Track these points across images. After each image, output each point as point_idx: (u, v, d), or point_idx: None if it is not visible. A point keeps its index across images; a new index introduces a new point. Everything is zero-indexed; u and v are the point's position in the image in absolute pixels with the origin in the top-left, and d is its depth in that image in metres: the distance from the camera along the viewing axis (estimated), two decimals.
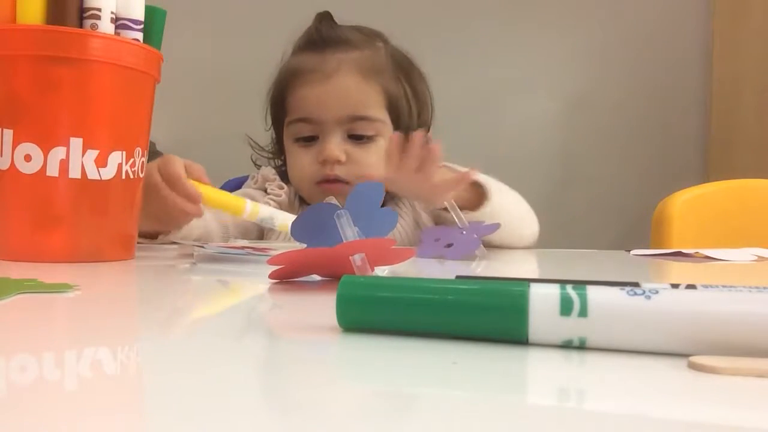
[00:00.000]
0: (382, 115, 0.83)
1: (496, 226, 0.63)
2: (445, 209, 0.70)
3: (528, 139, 2.08)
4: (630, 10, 2.06)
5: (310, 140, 0.81)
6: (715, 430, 0.17)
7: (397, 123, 0.85)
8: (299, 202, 0.85)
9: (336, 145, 0.80)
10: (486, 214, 0.73)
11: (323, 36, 0.85)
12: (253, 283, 0.43)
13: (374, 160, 0.80)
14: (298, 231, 0.40)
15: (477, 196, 0.75)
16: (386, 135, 0.83)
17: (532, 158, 2.08)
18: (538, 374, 0.22)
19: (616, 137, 2.08)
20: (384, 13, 1.76)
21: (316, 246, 0.37)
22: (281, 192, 0.82)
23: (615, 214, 1.88)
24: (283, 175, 0.88)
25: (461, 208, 0.69)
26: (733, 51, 1.94)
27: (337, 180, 0.79)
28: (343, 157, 0.79)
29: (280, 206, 0.81)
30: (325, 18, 0.87)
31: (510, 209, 0.76)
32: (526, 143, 2.07)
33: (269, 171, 0.89)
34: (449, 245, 0.59)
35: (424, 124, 0.90)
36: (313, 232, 0.39)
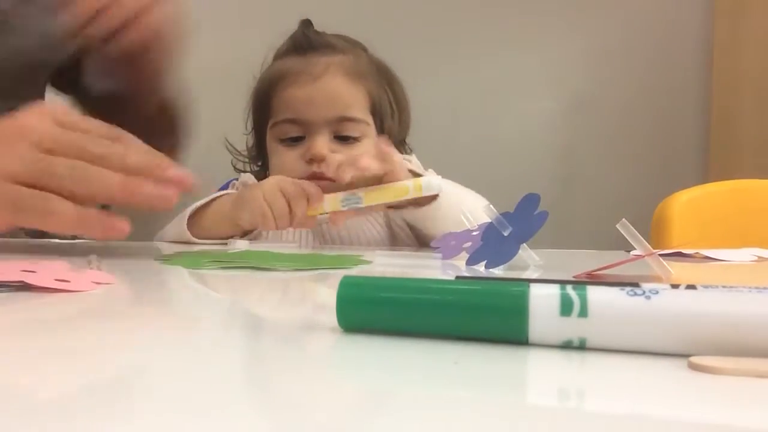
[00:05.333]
0: (367, 117, 0.84)
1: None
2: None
3: (528, 139, 2.08)
4: (630, 10, 2.06)
5: (296, 140, 0.82)
6: (715, 430, 0.17)
7: (381, 126, 0.86)
8: None
9: (323, 144, 0.80)
10: (436, 208, 0.72)
11: (310, 41, 0.86)
12: (253, 283, 0.43)
13: None
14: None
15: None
16: (371, 137, 0.83)
17: (532, 158, 2.08)
18: (538, 374, 0.22)
19: (617, 137, 2.08)
20: (385, 13, 1.76)
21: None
22: None
23: (615, 214, 1.88)
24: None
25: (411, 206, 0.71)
26: (733, 51, 1.94)
27: (324, 178, 0.80)
28: (330, 156, 0.80)
29: None
30: (309, 25, 0.88)
31: (464, 201, 0.75)
32: (526, 143, 2.07)
33: (248, 177, 0.90)
34: (467, 245, 0.58)
35: (405, 129, 0.91)
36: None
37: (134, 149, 0.48)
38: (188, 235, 0.72)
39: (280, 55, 0.89)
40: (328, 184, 0.80)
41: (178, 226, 0.74)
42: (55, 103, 0.56)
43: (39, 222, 0.47)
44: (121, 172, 0.47)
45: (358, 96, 0.83)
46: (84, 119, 0.51)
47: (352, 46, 0.88)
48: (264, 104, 0.86)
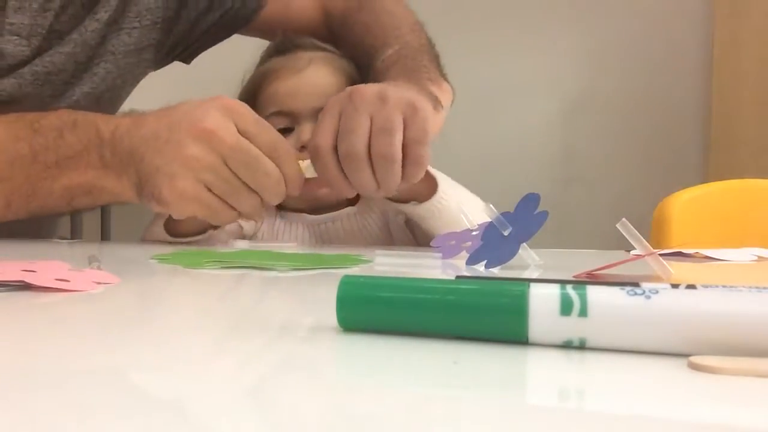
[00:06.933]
0: None
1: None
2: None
3: (528, 139, 2.08)
4: (630, 10, 2.06)
5: (284, 132, 0.82)
6: (715, 430, 0.17)
7: None
8: (277, 209, 0.85)
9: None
10: (436, 204, 0.72)
11: (292, 41, 0.86)
12: (253, 283, 0.43)
13: None
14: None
15: (428, 187, 0.74)
16: None
17: (532, 158, 2.08)
18: (538, 374, 0.22)
19: (616, 137, 2.08)
20: None
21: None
22: None
23: (615, 214, 1.88)
24: None
25: (412, 200, 0.72)
26: (733, 51, 1.94)
27: None
28: None
29: None
30: (287, 32, 0.88)
31: (463, 199, 0.75)
32: (526, 143, 2.07)
33: None
34: (467, 244, 0.58)
35: None
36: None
37: (289, 167, 0.60)
38: (164, 234, 0.71)
39: (263, 59, 0.89)
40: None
41: (157, 225, 0.73)
42: (230, 100, 0.61)
43: (217, 222, 0.62)
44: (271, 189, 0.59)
45: (341, 86, 0.83)
46: (259, 128, 0.59)
47: (332, 49, 0.89)
48: (250, 105, 0.87)
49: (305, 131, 0.80)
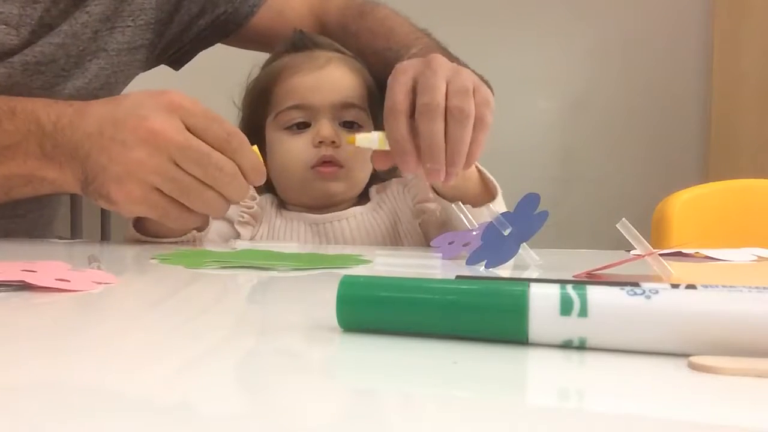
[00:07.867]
0: (366, 107, 0.84)
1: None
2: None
3: (528, 139, 2.08)
4: (630, 10, 2.06)
5: (301, 127, 0.82)
6: (715, 430, 0.17)
7: (375, 121, 0.86)
8: (277, 208, 0.85)
9: (331, 127, 0.81)
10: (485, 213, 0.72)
11: (310, 39, 0.87)
12: (253, 282, 0.43)
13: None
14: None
15: (485, 192, 0.74)
16: (369, 128, 0.84)
17: (531, 158, 2.08)
18: (538, 374, 0.22)
19: (616, 137, 2.08)
20: None
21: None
22: (253, 203, 0.82)
23: (615, 214, 1.88)
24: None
25: (468, 203, 0.70)
26: (733, 51, 1.94)
27: (332, 163, 0.80)
28: (338, 139, 0.80)
29: (253, 218, 0.81)
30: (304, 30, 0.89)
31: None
32: (525, 143, 2.07)
33: None
34: (467, 245, 0.58)
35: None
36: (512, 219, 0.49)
37: (246, 158, 0.58)
38: (136, 234, 0.70)
39: (278, 54, 0.89)
40: (337, 170, 0.80)
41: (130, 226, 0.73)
42: (177, 94, 0.58)
43: (172, 224, 0.60)
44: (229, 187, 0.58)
45: (358, 86, 0.84)
46: (208, 121, 0.57)
47: (348, 52, 0.90)
48: (264, 98, 0.86)
49: (323, 126, 0.80)
